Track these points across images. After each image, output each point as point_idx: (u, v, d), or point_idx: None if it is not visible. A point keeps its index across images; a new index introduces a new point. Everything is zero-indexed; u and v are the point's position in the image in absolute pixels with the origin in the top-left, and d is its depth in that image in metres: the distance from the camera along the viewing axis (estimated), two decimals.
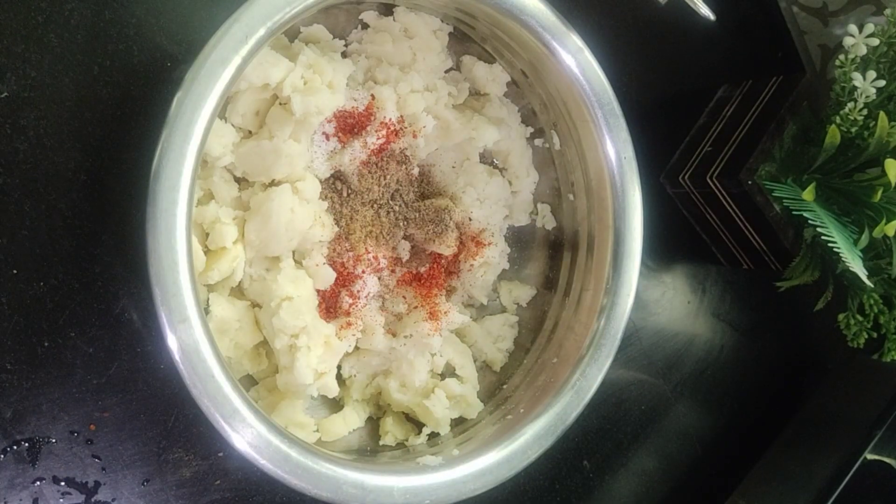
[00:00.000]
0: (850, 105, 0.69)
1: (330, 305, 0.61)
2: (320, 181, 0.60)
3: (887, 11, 0.69)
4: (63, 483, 0.55)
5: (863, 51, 0.68)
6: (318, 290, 0.60)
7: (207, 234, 0.57)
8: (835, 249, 0.67)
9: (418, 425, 0.64)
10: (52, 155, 0.54)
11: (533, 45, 0.62)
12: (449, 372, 0.67)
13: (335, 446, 0.61)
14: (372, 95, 0.61)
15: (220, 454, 0.59)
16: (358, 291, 0.61)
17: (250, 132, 0.59)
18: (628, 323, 0.64)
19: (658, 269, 0.81)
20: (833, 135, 0.69)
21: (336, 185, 0.61)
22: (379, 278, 0.63)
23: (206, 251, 0.57)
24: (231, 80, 0.49)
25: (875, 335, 0.77)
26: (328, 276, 0.60)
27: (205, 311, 0.54)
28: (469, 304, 0.70)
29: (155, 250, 0.47)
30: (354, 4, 0.63)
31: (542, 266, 0.72)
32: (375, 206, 0.62)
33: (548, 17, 0.61)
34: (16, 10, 0.53)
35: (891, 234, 0.68)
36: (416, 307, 0.64)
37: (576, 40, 0.62)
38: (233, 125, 0.58)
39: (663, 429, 0.81)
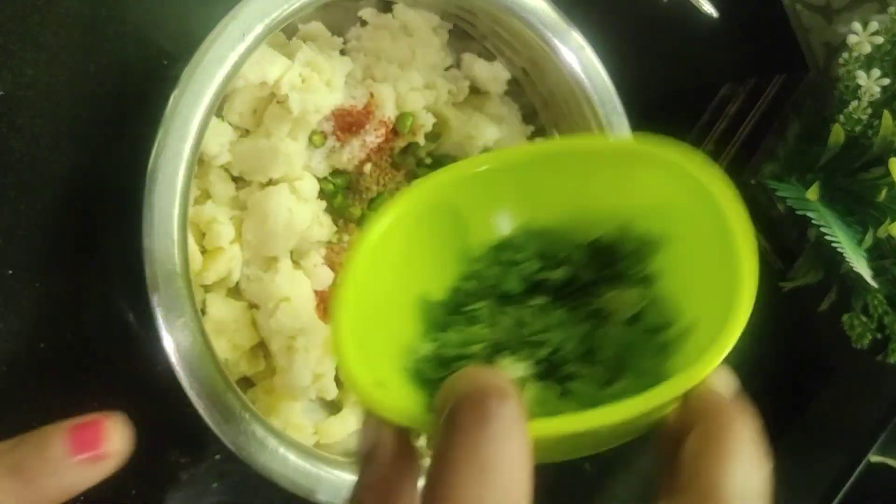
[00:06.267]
0: (855, 104, 0.68)
1: (328, 306, 0.60)
2: (318, 180, 0.60)
3: (891, 9, 0.68)
4: None
5: (867, 49, 0.67)
6: (316, 291, 0.59)
7: (204, 234, 0.56)
8: (838, 250, 0.66)
9: None
10: (48, 154, 0.54)
11: (534, 43, 0.61)
12: None
13: (334, 449, 0.61)
14: (371, 93, 0.61)
15: (217, 457, 0.59)
16: None
17: (247, 130, 0.59)
18: None
19: None
20: (837, 134, 0.69)
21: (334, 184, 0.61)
22: None
23: (203, 251, 0.56)
24: (228, 78, 0.49)
25: (880, 336, 0.77)
26: (326, 277, 0.59)
27: (201, 311, 0.54)
28: None
29: (151, 250, 0.47)
30: (353, 1, 0.62)
31: None
32: (374, 205, 0.62)
33: (549, 14, 0.60)
34: (11, 8, 0.52)
35: (895, 234, 0.67)
36: None
37: (577, 38, 0.62)
38: (230, 123, 0.57)
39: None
